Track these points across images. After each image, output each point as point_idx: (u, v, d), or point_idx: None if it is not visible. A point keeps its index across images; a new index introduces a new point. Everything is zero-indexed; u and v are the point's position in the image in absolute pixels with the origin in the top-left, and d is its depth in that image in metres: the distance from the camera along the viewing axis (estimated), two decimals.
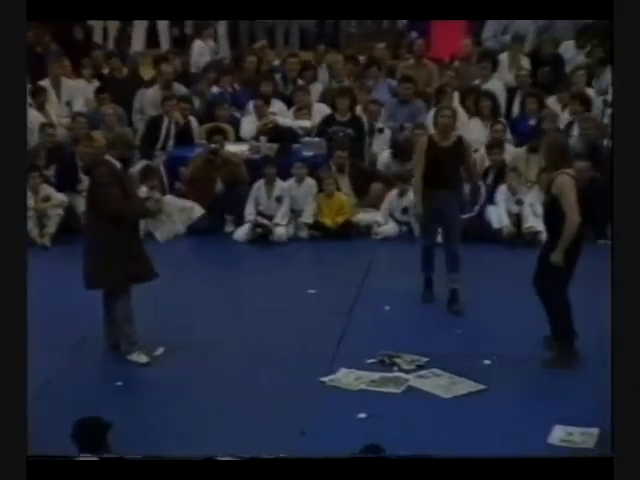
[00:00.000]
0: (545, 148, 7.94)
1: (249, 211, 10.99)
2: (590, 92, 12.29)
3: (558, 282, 7.58)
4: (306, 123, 12.16)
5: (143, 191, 9.94)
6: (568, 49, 13.27)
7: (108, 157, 7.63)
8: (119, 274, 7.54)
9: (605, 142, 11.44)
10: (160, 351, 7.76)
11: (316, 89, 12.88)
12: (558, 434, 6.37)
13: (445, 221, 8.86)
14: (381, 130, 12.07)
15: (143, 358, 7.64)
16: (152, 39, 14.83)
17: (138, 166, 10.98)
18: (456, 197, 8.92)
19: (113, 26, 14.80)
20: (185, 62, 13.72)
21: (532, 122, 11.89)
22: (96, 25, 14.65)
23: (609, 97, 12.21)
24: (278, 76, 13.19)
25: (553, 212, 7.68)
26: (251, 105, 12.44)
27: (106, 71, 13.25)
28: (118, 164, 7.64)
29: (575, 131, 11.78)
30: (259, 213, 10.98)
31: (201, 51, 13.96)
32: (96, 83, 13.00)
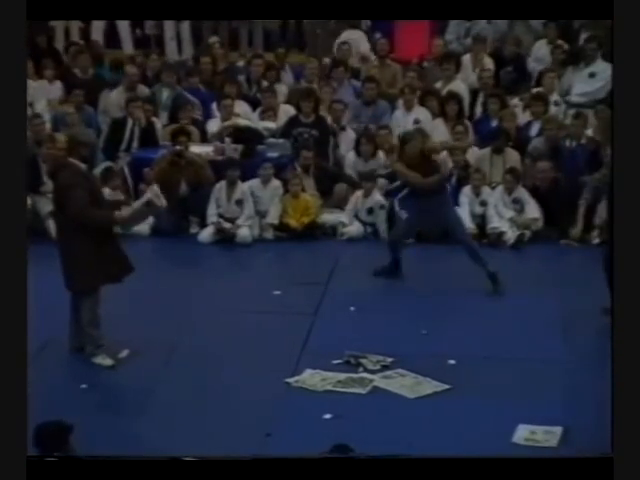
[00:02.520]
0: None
1: (211, 213, 10.99)
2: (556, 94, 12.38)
3: None
4: (271, 124, 12.17)
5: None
6: (540, 48, 13.32)
7: (72, 159, 7.58)
8: (97, 275, 7.50)
9: (567, 143, 11.54)
10: (125, 353, 7.73)
11: (280, 90, 12.90)
12: (522, 433, 6.41)
13: None
14: (343, 128, 12.10)
15: (108, 361, 7.61)
16: (114, 40, 14.76)
17: (100, 168, 10.95)
18: None
19: (75, 27, 14.73)
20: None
21: (494, 123, 11.96)
22: (58, 25, 14.57)
23: (571, 98, 12.32)
24: (242, 77, 13.20)
25: None
26: (214, 106, 12.47)
27: (77, 71, 13.14)
28: (83, 166, 7.60)
29: (533, 131, 11.87)
30: (220, 215, 10.98)
31: None
32: (58, 84, 12.92)
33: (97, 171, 10.52)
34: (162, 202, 7.61)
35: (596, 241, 10.49)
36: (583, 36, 12.97)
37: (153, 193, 7.61)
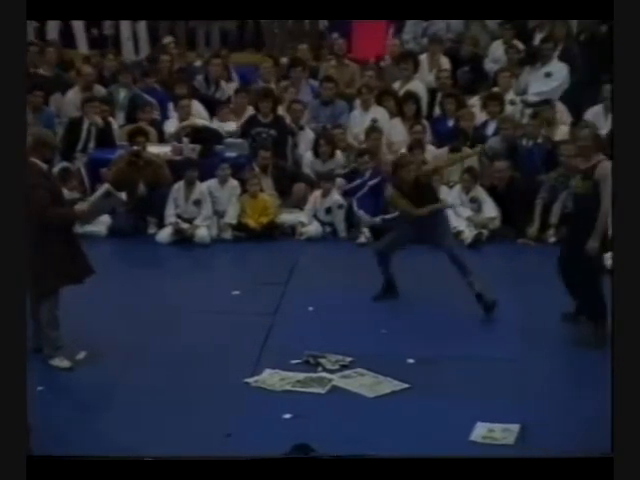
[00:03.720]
0: (584, 137, 8.08)
1: (169, 213, 10.96)
2: (512, 94, 12.47)
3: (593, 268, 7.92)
4: (231, 125, 12.17)
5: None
6: (497, 49, 13.41)
7: (33, 159, 7.52)
8: (57, 277, 7.45)
9: (524, 142, 11.63)
10: (82, 355, 7.68)
11: (231, 90, 12.91)
12: (480, 431, 6.45)
13: None
14: (301, 127, 12.12)
15: (65, 363, 7.56)
16: (68, 39, 14.66)
17: (57, 168, 10.87)
18: None
19: (30, 26, 14.59)
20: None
21: (451, 123, 12.02)
22: None
23: (527, 97, 12.42)
24: (200, 77, 13.18)
25: (593, 197, 7.82)
26: (171, 106, 12.46)
27: (42, 70, 13.07)
28: (44, 166, 7.55)
29: (489, 131, 11.95)
30: (178, 216, 10.96)
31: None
32: None
33: (54, 171, 10.45)
34: (120, 193, 7.64)
35: (552, 240, 10.58)
36: (539, 36, 13.09)
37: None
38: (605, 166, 7.78)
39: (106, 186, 7.75)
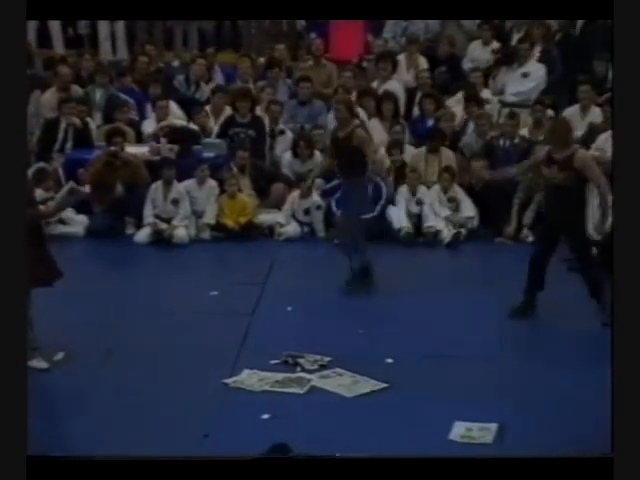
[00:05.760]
0: (554, 130, 8.50)
1: (147, 213, 10.94)
2: (486, 93, 12.52)
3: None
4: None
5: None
6: (475, 48, 13.45)
7: None
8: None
9: (501, 142, 11.66)
10: (60, 356, 7.66)
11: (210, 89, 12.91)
12: (458, 430, 6.47)
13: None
14: (282, 132, 12.11)
15: (42, 364, 7.53)
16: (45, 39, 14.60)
17: (33, 169, 10.83)
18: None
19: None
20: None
21: (429, 123, 12.05)
22: None
23: (505, 97, 12.47)
24: (181, 77, 13.14)
25: (573, 188, 8.12)
26: (149, 106, 12.43)
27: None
28: None
29: (469, 130, 11.98)
30: (156, 216, 10.93)
31: None
32: None
33: (30, 172, 10.40)
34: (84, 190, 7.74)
35: (529, 239, 10.63)
36: (516, 36, 13.14)
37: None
38: (582, 153, 8.21)
39: (70, 184, 7.79)
